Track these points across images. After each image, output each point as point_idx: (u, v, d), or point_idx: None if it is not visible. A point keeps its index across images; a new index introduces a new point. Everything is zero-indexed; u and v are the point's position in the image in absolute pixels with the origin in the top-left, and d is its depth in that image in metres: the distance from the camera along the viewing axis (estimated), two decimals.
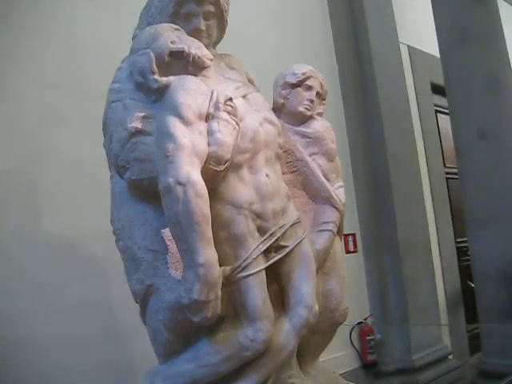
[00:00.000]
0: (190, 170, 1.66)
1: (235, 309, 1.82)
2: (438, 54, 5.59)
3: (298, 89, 2.18)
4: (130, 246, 1.85)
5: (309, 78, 2.18)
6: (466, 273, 5.51)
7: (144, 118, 1.78)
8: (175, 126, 1.70)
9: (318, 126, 2.18)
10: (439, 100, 5.85)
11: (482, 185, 3.91)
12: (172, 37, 1.81)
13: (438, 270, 5.06)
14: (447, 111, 6.01)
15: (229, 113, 1.82)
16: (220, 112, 1.79)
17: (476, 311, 4.75)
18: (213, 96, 1.79)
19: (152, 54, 1.77)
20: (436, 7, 4.30)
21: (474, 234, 4.02)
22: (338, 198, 2.17)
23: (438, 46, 4.32)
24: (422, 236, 4.79)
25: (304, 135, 2.17)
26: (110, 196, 1.97)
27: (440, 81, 5.60)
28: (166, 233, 1.82)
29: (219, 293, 1.70)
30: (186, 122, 1.72)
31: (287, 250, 1.94)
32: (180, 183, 1.64)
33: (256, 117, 1.94)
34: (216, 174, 1.79)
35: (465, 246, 5.83)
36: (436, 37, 5.14)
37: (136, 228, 1.84)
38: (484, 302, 3.94)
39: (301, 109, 2.18)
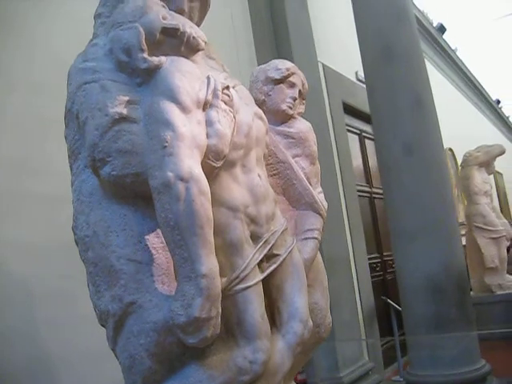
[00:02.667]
0: (192, 164, 1.42)
1: (229, 326, 1.58)
2: (349, 75, 5.78)
3: (281, 85, 2.01)
4: (105, 256, 1.53)
5: (292, 74, 2.03)
6: (377, 288, 5.66)
7: (128, 102, 1.51)
8: (173, 112, 1.45)
9: (302, 126, 2.02)
10: (349, 120, 6.00)
11: (408, 199, 3.99)
12: (163, 12, 1.56)
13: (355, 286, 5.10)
14: (357, 131, 6.25)
15: (225, 103, 1.60)
16: (219, 101, 1.56)
17: (390, 324, 4.86)
18: (210, 82, 1.56)
19: (141, 29, 1.50)
20: (359, 26, 4.38)
21: (400, 248, 4.08)
22: (322, 204, 2.01)
23: (361, 64, 4.38)
24: (342, 252, 4.79)
25: (287, 135, 2.00)
26: (74, 197, 1.65)
27: (351, 101, 5.77)
28: (150, 240, 1.55)
29: (220, 309, 1.46)
30: (183, 109, 1.47)
31: (280, 259, 1.74)
32: (181, 179, 1.39)
33: (248, 111, 1.73)
34: (211, 170, 1.55)
35: (374, 263, 6.00)
36: (348, 57, 5.30)
37: (113, 234, 1.53)
38: (411, 315, 3.99)
39: (283, 107, 2.01)
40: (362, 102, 5.97)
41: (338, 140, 5.48)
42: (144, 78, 1.53)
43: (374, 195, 6.38)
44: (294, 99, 2.03)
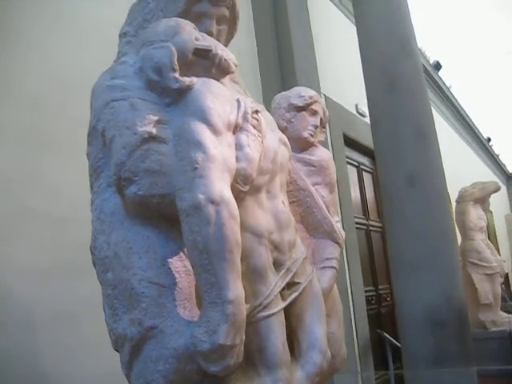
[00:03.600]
0: (223, 187, 1.39)
1: (249, 354, 1.53)
2: (349, 108, 5.83)
3: (304, 113, 2.01)
4: (126, 279, 1.49)
5: (315, 102, 2.03)
6: (372, 320, 5.60)
7: (157, 122, 1.48)
8: (204, 133, 1.43)
9: (323, 154, 2.01)
10: (349, 152, 6.03)
11: (409, 231, 3.98)
12: (195, 33, 1.55)
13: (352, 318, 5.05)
14: (355, 163, 6.28)
15: (254, 127, 1.58)
16: (248, 124, 1.55)
17: (385, 358, 4.80)
18: (241, 105, 1.55)
19: (173, 49, 1.49)
20: (365, 59, 4.44)
21: (400, 280, 4.05)
22: (340, 233, 1.99)
23: (365, 96, 4.42)
24: (341, 284, 4.75)
25: (307, 163, 1.99)
26: (94, 216, 1.61)
27: (351, 133, 5.81)
28: (174, 263, 1.51)
29: (244, 336, 1.42)
30: (215, 131, 1.45)
31: (301, 287, 1.71)
32: (212, 201, 1.36)
33: (274, 136, 1.72)
34: (238, 194, 1.52)
35: (370, 295, 5.96)
36: (349, 90, 5.36)
37: (136, 256, 1.49)
38: (410, 348, 3.94)
39: (305, 134, 2.00)
40: (362, 135, 6.03)
41: (338, 172, 5.47)
42: (174, 98, 1.51)
43: (370, 227, 6.37)
44: (316, 127, 2.02)
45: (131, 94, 1.52)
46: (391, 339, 4.76)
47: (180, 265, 1.51)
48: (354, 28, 4.73)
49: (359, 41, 4.46)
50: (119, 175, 1.47)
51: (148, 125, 1.47)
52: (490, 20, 10.39)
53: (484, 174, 13.19)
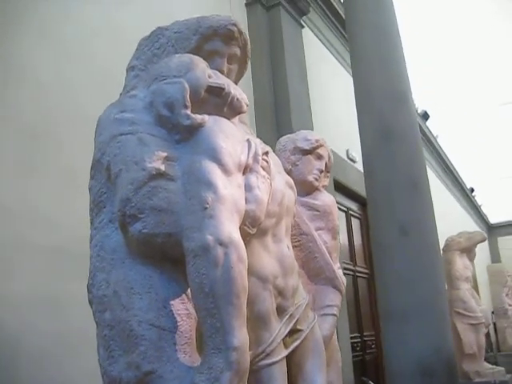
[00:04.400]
0: (232, 229, 1.35)
1: None
2: (340, 153, 5.86)
3: (309, 156, 1.99)
4: (125, 319, 1.42)
5: (320, 146, 2.01)
6: (357, 368, 5.49)
7: (166, 159, 1.45)
8: (215, 173, 1.39)
9: (327, 199, 1.99)
10: (338, 197, 6.02)
11: (400, 280, 3.94)
12: (208, 70, 1.54)
13: None
14: (344, 209, 6.27)
15: (264, 168, 1.55)
16: (258, 166, 1.52)
17: None
18: (251, 146, 1.53)
19: (186, 85, 1.47)
20: (360, 107, 4.47)
21: (389, 328, 3.99)
22: (342, 280, 1.95)
23: (360, 144, 4.43)
24: None
25: (311, 207, 1.96)
26: (93, 252, 1.54)
27: (341, 179, 5.81)
28: (175, 305, 1.45)
29: None
30: (226, 171, 1.42)
31: (303, 335, 1.65)
32: (221, 243, 1.31)
33: (281, 179, 1.69)
34: (245, 237, 1.48)
35: (355, 342, 5.86)
36: (341, 135, 5.39)
37: (137, 296, 1.43)
38: None
39: (310, 178, 1.98)
40: (351, 180, 6.04)
41: None
42: (184, 135, 1.48)
43: (357, 273, 6.32)
44: (321, 171, 2.01)
45: (140, 128, 1.49)
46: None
47: (182, 307, 1.46)
48: (350, 76, 4.80)
49: (355, 89, 4.50)
50: (124, 211, 1.42)
51: (157, 161, 1.43)
52: (483, 70, 10.66)
53: (466, 223, 13.28)
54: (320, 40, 5.99)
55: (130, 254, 1.47)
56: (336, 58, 6.38)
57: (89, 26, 3.10)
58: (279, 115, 4.73)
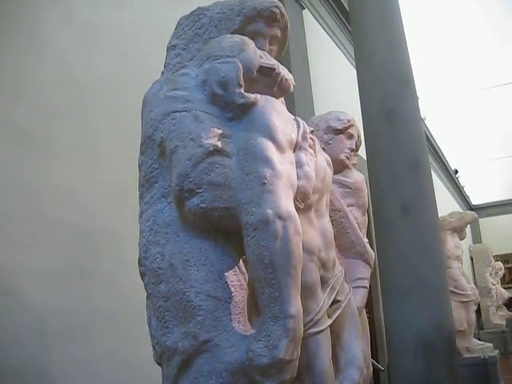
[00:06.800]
0: (289, 203, 1.41)
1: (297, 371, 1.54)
2: None
3: (341, 135, 2.05)
4: (182, 291, 1.48)
5: (352, 126, 2.08)
6: None
7: (221, 136, 1.50)
8: (271, 150, 1.45)
9: (358, 177, 2.06)
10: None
11: (402, 258, 4.05)
12: (259, 51, 1.58)
13: None
14: None
15: (310, 146, 1.61)
16: (307, 143, 1.58)
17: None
18: (300, 125, 1.58)
19: (240, 65, 1.51)
20: (362, 89, 4.53)
21: (391, 305, 4.10)
22: (371, 254, 2.03)
23: (362, 125, 4.49)
24: None
25: (343, 185, 2.03)
26: (145, 226, 1.59)
27: None
28: (230, 277, 1.51)
29: (299, 351, 1.43)
30: (280, 148, 1.48)
31: (343, 305, 1.73)
32: (280, 217, 1.37)
33: (322, 156, 1.75)
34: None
35: None
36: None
37: (193, 269, 1.49)
38: (400, 374, 3.98)
39: (342, 157, 2.05)
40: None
41: None
42: (236, 113, 1.53)
43: None
44: (352, 150, 2.07)
45: (194, 106, 1.53)
46: (375, 363, 4.78)
47: (235, 279, 1.52)
48: (352, 61, 4.84)
49: (357, 72, 4.56)
50: (182, 186, 1.47)
51: (213, 138, 1.48)
52: (466, 56, 10.81)
53: (449, 204, 13.54)
54: (319, 22, 6.00)
55: (184, 227, 1.52)
56: (336, 44, 6.41)
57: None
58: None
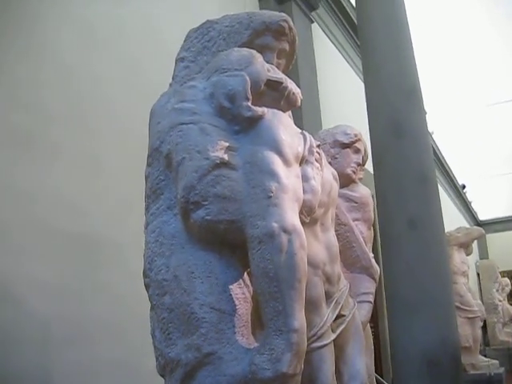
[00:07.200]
0: (294, 217, 1.42)
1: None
2: None
3: (348, 150, 2.06)
4: (186, 303, 1.48)
5: (358, 140, 2.08)
6: None
7: (228, 148, 1.51)
8: (277, 163, 1.46)
9: (364, 191, 2.07)
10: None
11: (408, 273, 4.03)
12: (266, 65, 1.59)
13: None
14: None
15: (316, 160, 1.62)
16: (313, 157, 1.59)
17: None
18: (307, 138, 1.59)
19: (248, 78, 1.52)
20: (370, 102, 4.54)
21: (396, 320, 4.08)
22: (376, 269, 2.03)
23: (369, 138, 4.50)
24: None
25: (349, 199, 2.03)
26: (150, 238, 1.60)
27: None
28: (234, 290, 1.51)
29: (302, 365, 1.42)
30: (286, 162, 1.48)
31: (347, 320, 1.73)
32: (285, 230, 1.38)
33: (328, 170, 1.76)
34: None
35: None
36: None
37: (198, 281, 1.49)
38: None
39: (348, 171, 2.05)
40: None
41: None
42: (243, 127, 1.54)
43: None
44: (358, 164, 2.08)
45: (201, 118, 1.54)
46: (379, 378, 4.74)
47: (239, 292, 1.52)
48: (360, 75, 4.85)
49: (365, 84, 4.58)
50: (187, 198, 1.48)
51: (219, 150, 1.49)
52: (473, 71, 10.83)
53: (456, 219, 13.48)
54: (327, 36, 6.04)
55: (190, 240, 1.53)
56: (344, 57, 6.44)
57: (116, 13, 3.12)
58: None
